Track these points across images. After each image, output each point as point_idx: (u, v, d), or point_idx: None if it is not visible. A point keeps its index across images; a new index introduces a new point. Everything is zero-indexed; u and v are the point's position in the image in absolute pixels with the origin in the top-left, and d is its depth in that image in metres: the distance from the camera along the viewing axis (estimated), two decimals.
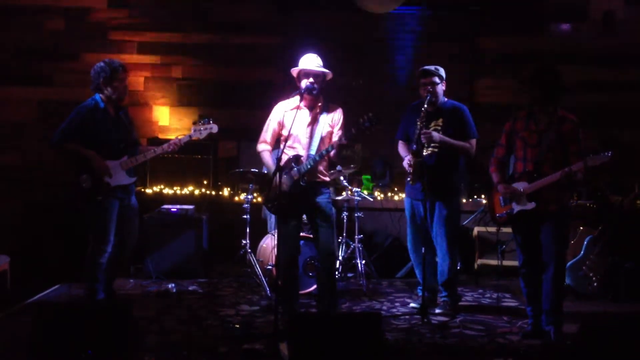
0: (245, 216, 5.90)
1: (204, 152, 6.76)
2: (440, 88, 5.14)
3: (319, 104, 4.78)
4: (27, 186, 6.98)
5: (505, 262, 5.79)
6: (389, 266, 6.47)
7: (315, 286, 5.37)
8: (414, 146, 4.99)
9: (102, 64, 4.93)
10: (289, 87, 5.44)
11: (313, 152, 4.67)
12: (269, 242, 5.74)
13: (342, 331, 3.69)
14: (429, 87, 5.06)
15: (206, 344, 4.32)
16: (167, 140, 5.22)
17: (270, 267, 5.56)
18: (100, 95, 4.95)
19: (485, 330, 4.75)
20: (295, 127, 4.65)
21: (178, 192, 6.79)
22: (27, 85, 7.16)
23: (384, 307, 5.37)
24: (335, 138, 4.73)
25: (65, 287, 5.62)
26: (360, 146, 6.99)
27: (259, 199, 6.12)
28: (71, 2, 7.15)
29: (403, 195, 5.54)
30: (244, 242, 5.88)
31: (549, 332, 4.49)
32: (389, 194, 6.89)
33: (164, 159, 6.18)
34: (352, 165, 6.05)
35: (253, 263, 5.79)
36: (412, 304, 5.38)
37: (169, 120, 7.22)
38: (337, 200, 5.93)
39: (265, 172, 4.92)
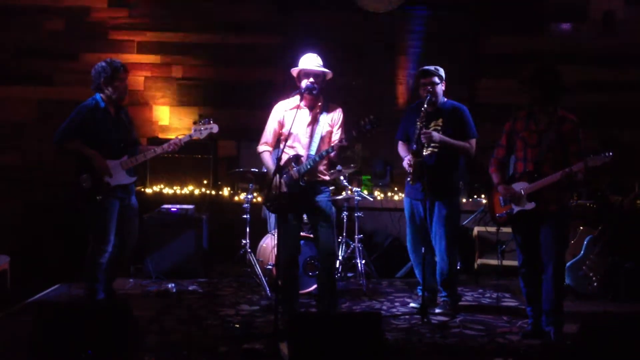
0: (245, 216, 5.90)
1: (204, 151, 6.76)
2: (440, 88, 5.14)
3: (319, 104, 4.78)
4: (27, 186, 6.98)
5: (505, 262, 5.79)
6: (388, 266, 6.47)
7: (315, 286, 5.37)
8: (414, 146, 4.99)
9: (103, 63, 4.93)
10: (289, 86, 5.44)
11: (313, 151, 4.67)
12: (269, 242, 5.74)
13: (342, 331, 3.69)
14: (429, 87, 5.06)
15: (206, 343, 4.32)
16: (167, 140, 5.22)
17: (270, 266, 5.56)
18: (101, 95, 4.96)
19: (485, 330, 4.75)
20: (295, 127, 4.65)
21: (178, 191, 6.79)
22: (27, 85, 7.15)
23: (384, 307, 5.37)
24: (335, 138, 4.73)
25: (65, 287, 5.62)
26: (360, 146, 7.00)
27: (259, 199, 6.12)
28: (71, 2, 7.15)
29: (403, 195, 5.54)
30: (244, 241, 5.88)
31: (549, 333, 4.49)
32: (389, 194, 6.89)
33: (163, 158, 6.19)
34: (352, 165, 6.05)
35: (253, 263, 5.79)
36: (412, 304, 5.38)
37: (169, 119, 7.22)
38: (337, 199, 5.93)
39: (265, 171, 4.91)
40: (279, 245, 4.50)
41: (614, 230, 5.68)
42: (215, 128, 5.16)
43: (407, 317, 5.07)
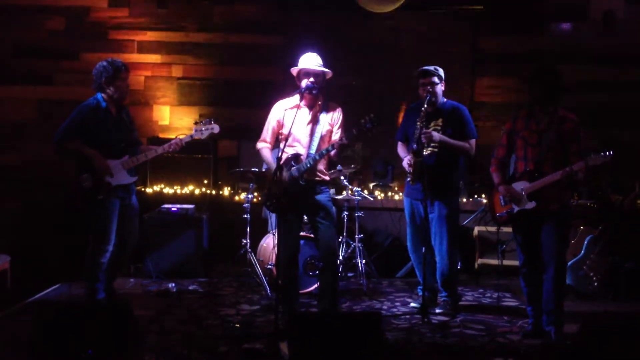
0: (245, 215, 5.90)
1: (204, 151, 6.76)
2: (440, 88, 5.14)
3: (319, 103, 4.78)
4: (27, 186, 6.98)
5: (506, 262, 5.79)
6: (389, 266, 6.47)
7: (315, 286, 5.37)
8: (415, 146, 4.99)
9: (104, 63, 4.93)
10: (289, 86, 5.44)
11: (313, 151, 4.67)
12: (270, 242, 5.74)
13: (342, 331, 3.68)
14: (429, 87, 5.06)
15: (206, 343, 4.32)
16: (168, 140, 5.23)
17: (270, 266, 5.56)
18: (102, 94, 4.95)
19: (485, 330, 4.75)
20: (296, 126, 4.64)
21: (178, 191, 6.79)
22: (27, 84, 7.15)
23: (384, 307, 5.37)
24: (335, 137, 4.73)
25: (66, 287, 5.61)
26: (361, 145, 7.00)
27: (259, 199, 6.12)
28: (71, 2, 7.15)
29: (403, 195, 5.54)
30: (244, 241, 5.88)
31: (550, 332, 4.49)
32: (389, 194, 6.89)
33: (164, 158, 6.18)
34: (352, 166, 6.05)
35: (253, 262, 5.79)
36: (412, 304, 5.38)
37: (169, 119, 7.22)
38: (338, 199, 5.93)
39: (265, 169, 4.91)
40: (279, 244, 4.50)
41: (615, 230, 5.68)
42: (216, 128, 5.16)
43: (407, 316, 5.07)
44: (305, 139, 4.72)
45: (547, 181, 4.41)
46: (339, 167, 5.75)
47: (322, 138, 4.72)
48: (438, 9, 7.11)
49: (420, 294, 5.17)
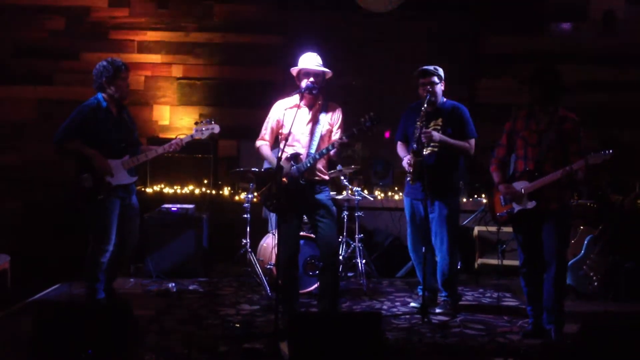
0: (245, 215, 5.90)
1: (204, 151, 6.76)
2: (439, 88, 5.14)
3: (319, 103, 4.78)
4: (27, 186, 6.98)
5: (506, 262, 5.79)
6: (389, 265, 6.47)
7: (315, 285, 5.37)
8: (415, 146, 4.99)
9: (104, 63, 4.93)
10: (289, 86, 5.44)
11: (313, 150, 4.66)
12: (270, 242, 5.74)
13: (342, 331, 3.68)
14: (428, 87, 5.06)
15: (206, 343, 4.32)
16: (168, 140, 5.22)
17: (270, 266, 5.56)
18: (103, 94, 4.95)
19: (485, 330, 4.75)
20: (296, 126, 4.64)
21: (178, 191, 6.79)
22: (27, 84, 7.15)
23: (384, 307, 5.37)
24: (335, 137, 4.73)
25: (66, 287, 5.61)
26: (361, 145, 7.00)
27: (259, 198, 6.11)
28: (71, 1, 7.15)
29: (403, 195, 5.54)
30: (244, 241, 5.89)
31: (550, 331, 4.49)
32: (389, 194, 6.89)
33: (164, 158, 6.18)
34: (352, 166, 6.05)
35: (253, 262, 5.79)
36: (412, 304, 5.38)
37: (169, 119, 7.22)
38: (338, 199, 5.93)
39: (265, 167, 4.90)
40: (279, 244, 4.50)
41: (615, 229, 5.68)
42: (216, 128, 5.16)
43: (407, 316, 5.07)
44: (305, 139, 4.72)
45: (547, 180, 4.41)
46: (339, 167, 5.75)
47: (321, 138, 4.72)
48: (438, 9, 7.11)
49: (420, 293, 5.17)
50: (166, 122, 7.22)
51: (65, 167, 5.13)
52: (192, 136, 5.14)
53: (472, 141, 5.15)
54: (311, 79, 4.65)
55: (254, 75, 7.16)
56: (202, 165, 6.79)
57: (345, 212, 6.04)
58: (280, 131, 4.78)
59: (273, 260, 5.41)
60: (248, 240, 5.87)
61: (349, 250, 6.00)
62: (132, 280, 5.98)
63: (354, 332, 3.69)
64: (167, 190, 6.77)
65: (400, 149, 5.32)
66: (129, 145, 5.00)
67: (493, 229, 5.48)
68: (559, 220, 4.48)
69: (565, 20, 7.14)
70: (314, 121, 4.73)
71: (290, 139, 4.65)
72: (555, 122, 4.47)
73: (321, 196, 4.71)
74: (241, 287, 5.86)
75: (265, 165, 4.92)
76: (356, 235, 5.95)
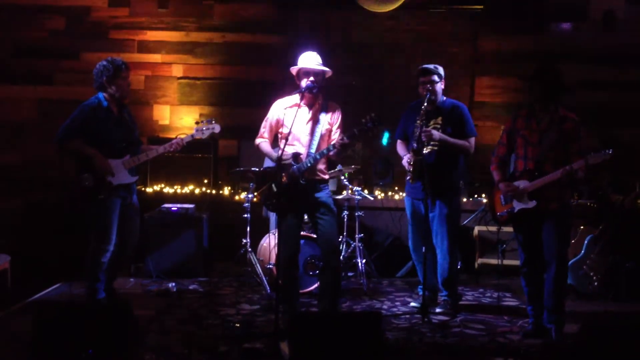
0: (245, 215, 5.90)
1: (205, 151, 6.76)
2: (439, 87, 5.14)
3: (319, 102, 4.78)
4: (27, 186, 6.98)
5: (506, 262, 5.79)
6: (389, 265, 6.47)
7: (315, 285, 5.37)
8: (415, 144, 4.99)
9: (104, 62, 4.93)
10: (289, 86, 5.45)
11: (313, 150, 4.66)
12: (270, 241, 5.74)
13: (342, 330, 3.68)
14: (428, 86, 5.06)
15: (206, 343, 4.32)
16: (168, 139, 5.22)
17: (270, 266, 5.56)
18: (104, 93, 4.95)
19: (485, 330, 4.75)
20: (296, 125, 4.64)
21: (178, 191, 6.79)
22: (27, 84, 7.16)
23: (385, 307, 5.37)
24: (334, 136, 4.72)
25: (66, 286, 5.60)
26: (361, 145, 7.00)
27: (259, 198, 6.11)
28: (71, 1, 7.16)
29: (403, 194, 5.54)
30: (245, 241, 5.88)
31: (550, 331, 4.49)
32: (390, 193, 6.89)
33: (164, 158, 6.16)
34: (352, 166, 6.05)
35: (253, 262, 5.79)
36: (412, 303, 5.38)
37: (169, 119, 7.23)
38: (338, 199, 5.92)
39: (265, 166, 4.90)
40: (279, 244, 4.49)
41: (615, 229, 5.68)
42: (217, 128, 5.16)
43: (407, 316, 5.07)
44: (305, 138, 4.72)
45: (547, 180, 4.41)
46: (339, 166, 5.75)
47: (321, 137, 4.72)
48: (438, 9, 7.11)
49: (421, 293, 5.17)
50: (166, 122, 7.23)
51: (65, 167, 5.13)
52: (192, 136, 5.14)
53: (472, 140, 5.15)
54: (311, 78, 4.65)
55: (254, 75, 7.16)
56: (202, 165, 6.79)
57: (346, 212, 6.04)
58: (280, 130, 4.78)
59: (273, 260, 5.40)
60: (248, 240, 5.87)
61: (349, 250, 5.99)
62: (132, 280, 5.98)
63: (354, 332, 3.69)
64: (167, 190, 6.77)
65: (400, 147, 5.32)
66: (130, 145, 5.00)
67: (493, 228, 5.47)
68: (559, 220, 4.48)
69: (565, 20, 7.13)
70: (314, 120, 4.73)
71: (290, 138, 4.65)
72: (555, 121, 4.47)
73: (321, 194, 4.70)
74: (241, 287, 5.86)
75: (266, 164, 4.92)
76: (356, 235, 5.95)
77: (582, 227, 5.88)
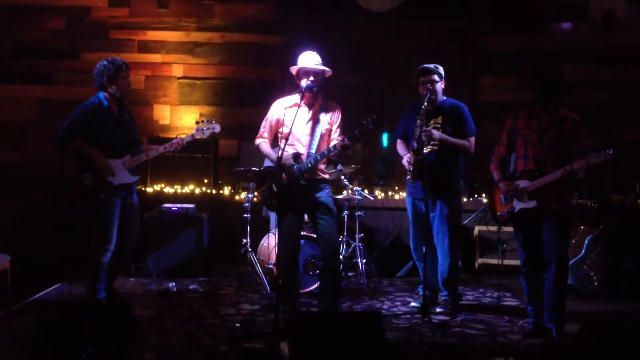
0: (245, 215, 5.89)
1: (205, 150, 6.76)
2: (440, 86, 5.14)
3: (318, 102, 4.77)
4: (27, 186, 6.98)
5: (506, 261, 5.79)
6: (389, 265, 6.47)
7: (316, 285, 5.36)
8: (415, 144, 4.99)
9: (105, 62, 4.93)
10: (289, 86, 5.44)
11: (313, 150, 4.66)
12: (270, 241, 5.73)
13: (342, 330, 3.68)
14: (429, 85, 5.06)
15: (207, 343, 4.31)
16: (169, 139, 5.22)
17: (270, 265, 5.56)
18: (104, 93, 4.95)
19: (486, 330, 4.75)
20: (296, 125, 4.64)
21: (179, 190, 6.79)
22: (27, 84, 7.16)
23: (385, 306, 5.37)
24: (334, 136, 4.72)
25: (66, 286, 5.60)
26: (361, 145, 7.00)
27: (260, 198, 6.11)
28: (72, 1, 7.16)
29: (403, 194, 5.54)
30: (245, 240, 5.88)
31: (551, 330, 4.49)
32: (390, 193, 6.89)
33: (164, 157, 6.16)
34: (353, 166, 6.05)
35: (253, 262, 5.79)
36: (412, 303, 5.37)
37: (169, 119, 7.23)
38: (338, 199, 5.92)
39: (265, 166, 4.90)
40: (279, 244, 4.49)
41: (615, 229, 5.68)
42: (217, 128, 5.16)
43: (407, 316, 5.07)
44: (305, 138, 4.71)
45: (547, 180, 4.41)
46: (339, 166, 5.75)
47: (322, 137, 4.71)
48: (438, 8, 7.11)
49: (421, 293, 5.17)
50: (167, 122, 7.23)
51: (65, 167, 5.13)
52: (193, 136, 5.14)
53: (472, 139, 5.14)
54: (311, 78, 4.65)
55: (254, 75, 7.16)
56: (203, 165, 6.79)
57: (346, 212, 6.04)
58: (280, 130, 4.78)
59: (273, 260, 5.40)
60: (248, 240, 5.86)
61: (349, 250, 5.99)
62: (132, 279, 5.97)
63: (354, 332, 3.69)
64: (168, 189, 6.77)
65: (400, 147, 5.32)
66: (130, 145, 5.00)
67: (493, 228, 5.47)
68: (560, 220, 4.47)
69: (565, 20, 7.14)
70: (314, 120, 4.73)
71: (290, 138, 4.65)
72: (556, 121, 4.47)
73: (321, 194, 4.70)
74: (241, 286, 5.86)
75: (266, 164, 4.91)
76: (356, 235, 5.95)
77: (582, 227, 5.88)
